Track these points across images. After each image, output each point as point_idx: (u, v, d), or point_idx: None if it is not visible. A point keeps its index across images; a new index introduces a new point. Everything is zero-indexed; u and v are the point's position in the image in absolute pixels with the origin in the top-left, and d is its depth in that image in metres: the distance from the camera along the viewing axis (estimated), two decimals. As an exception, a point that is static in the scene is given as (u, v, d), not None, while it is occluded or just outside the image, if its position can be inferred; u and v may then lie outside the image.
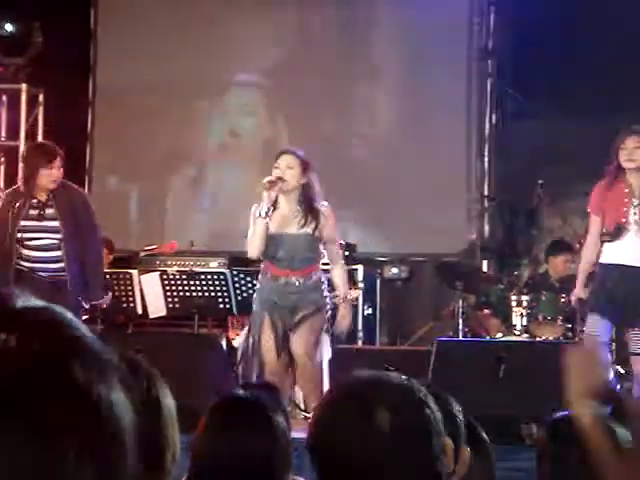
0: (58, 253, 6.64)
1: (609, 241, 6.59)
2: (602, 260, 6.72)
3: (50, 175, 6.62)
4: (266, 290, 6.30)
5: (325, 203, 6.32)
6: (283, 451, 2.36)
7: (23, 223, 6.64)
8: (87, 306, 6.76)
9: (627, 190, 6.58)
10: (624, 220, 6.53)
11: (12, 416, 0.76)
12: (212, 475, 2.32)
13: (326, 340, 6.45)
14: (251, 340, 6.28)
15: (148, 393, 1.56)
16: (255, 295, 6.44)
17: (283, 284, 6.23)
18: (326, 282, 6.35)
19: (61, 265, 6.64)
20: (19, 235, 6.61)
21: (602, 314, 6.58)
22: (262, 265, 6.39)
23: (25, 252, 6.64)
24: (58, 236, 6.63)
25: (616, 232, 6.55)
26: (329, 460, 1.54)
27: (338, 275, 6.40)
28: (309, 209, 6.23)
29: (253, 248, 6.26)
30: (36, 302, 0.84)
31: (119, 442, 0.79)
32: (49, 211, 6.66)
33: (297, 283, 6.23)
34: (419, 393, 1.56)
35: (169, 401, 1.62)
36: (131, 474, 0.79)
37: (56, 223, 6.64)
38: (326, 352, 6.43)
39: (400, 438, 1.51)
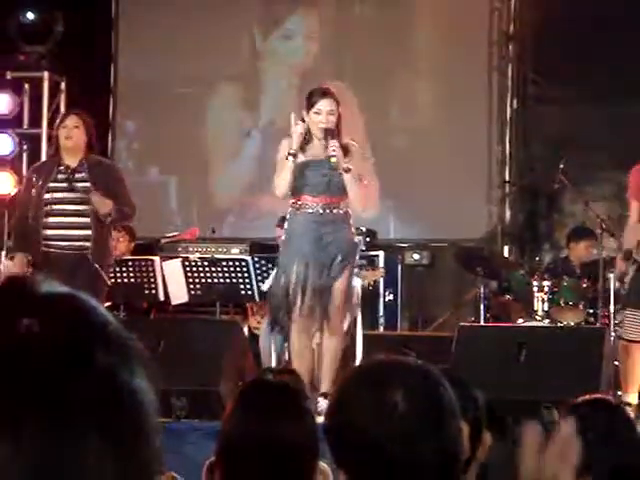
0: (86, 220, 6.59)
1: None
2: None
3: (65, 132, 6.60)
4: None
5: (354, 143, 6.08)
6: (311, 436, 2.38)
7: (52, 185, 6.60)
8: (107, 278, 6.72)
9: None
10: None
11: (35, 401, 0.76)
12: (240, 458, 2.34)
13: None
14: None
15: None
16: None
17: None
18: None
19: (87, 233, 6.57)
20: (47, 196, 6.58)
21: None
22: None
23: (51, 220, 6.60)
24: (85, 197, 6.56)
25: None
26: (345, 441, 1.56)
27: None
28: (341, 147, 5.92)
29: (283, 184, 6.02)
30: (60, 288, 0.83)
31: (141, 427, 0.79)
32: (78, 175, 6.61)
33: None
34: (435, 375, 1.58)
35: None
36: (154, 459, 0.80)
37: (86, 184, 6.57)
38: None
39: (415, 419, 1.52)
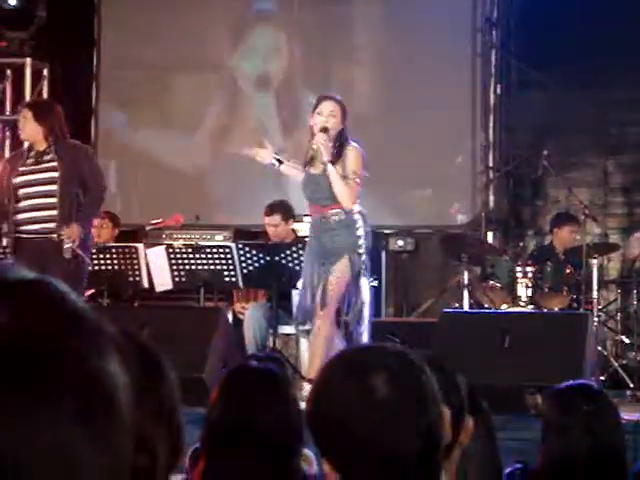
0: (53, 200, 6.64)
1: None
2: None
3: (20, 125, 6.81)
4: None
5: (355, 144, 6.40)
6: (295, 421, 2.38)
7: (20, 169, 6.71)
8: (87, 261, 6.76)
9: None
10: None
11: (5, 388, 0.75)
12: (225, 444, 2.35)
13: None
14: None
15: (148, 363, 1.57)
16: None
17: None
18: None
19: (55, 213, 6.61)
20: (17, 180, 6.65)
21: None
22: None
23: (21, 204, 6.66)
24: (55, 175, 6.63)
25: None
26: (327, 427, 1.56)
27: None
28: (340, 150, 6.32)
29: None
30: (31, 274, 0.81)
31: (115, 412, 0.79)
32: (46, 157, 6.70)
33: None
34: (415, 360, 1.58)
35: (171, 374, 1.63)
36: (128, 444, 0.80)
37: (54, 163, 6.65)
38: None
39: (397, 404, 1.52)
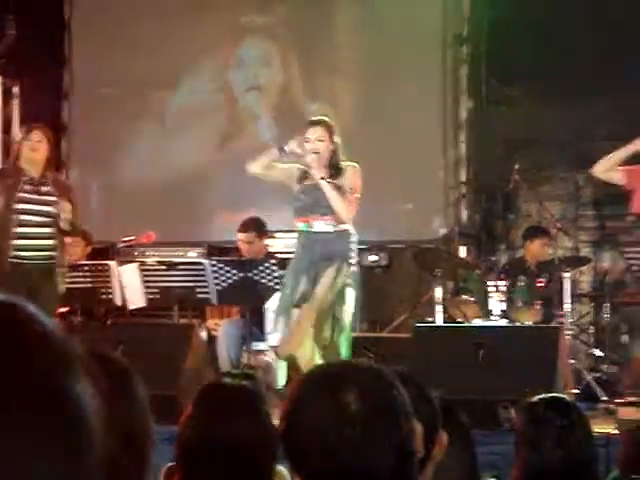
0: (51, 230, 6.79)
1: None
2: None
3: (29, 145, 6.78)
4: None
5: (353, 163, 6.65)
6: (269, 438, 2.38)
7: (20, 195, 6.76)
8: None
9: None
10: None
11: None
12: (198, 461, 2.34)
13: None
14: None
15: (118, 385, 1.57)
16: None
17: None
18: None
19: (53, 243, 6.79)
20: (17, 206, 6.71)
21: None
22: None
23: (20, 230, 6.75)
24: (54, 211, 6.75)
25: None
26: (299, 444, 1.56)
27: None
28: (337, 169, 6.55)
29: None
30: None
31: (82, 431, 0.79)
32: (44, 188, 6.81)
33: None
34: (387, 376, 1.59)
35: (141, 391, 1.62)
36: (95, 463, 0.80)
37: (52, 198, 6.78)
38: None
39: (368, 420, 1.53)
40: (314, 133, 6.55)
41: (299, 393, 1.60)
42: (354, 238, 6.58)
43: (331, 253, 6.47)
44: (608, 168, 6.93)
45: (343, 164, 6.62)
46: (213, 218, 10.17)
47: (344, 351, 6.53)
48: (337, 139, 6.62)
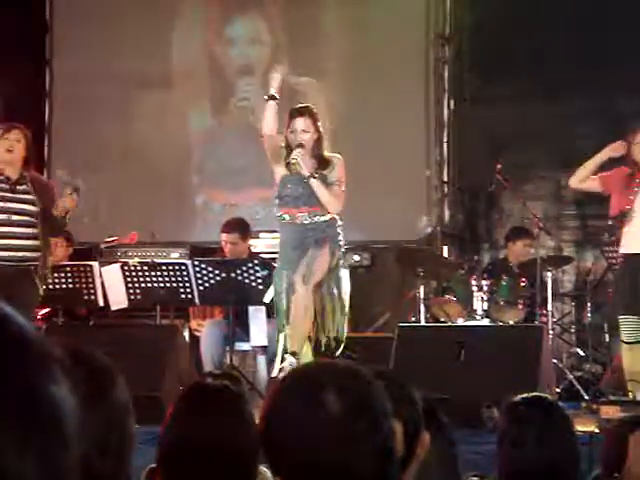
0: (27, 230, 6.64)
1: (618, 226, 6.80)
2: (622, 250, 6.82)
3: (6, 145, 6.66)
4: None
5: (337, 154, 6.68)
6: (252, 439, 2.38)
7: None
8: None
9: (638, 180, 6.76)
10: (629, 207, 6.69)
11: None
12: (180, 462, 2.34)
13: None
14: None
15: (97, 386, 1.56)
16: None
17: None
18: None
19: (29, 243, 6.63)
20: None
21: (627, 311, 6.70)
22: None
23: None
24: (33, 209, 6.63)
25: (621, 217, 6.74)
26: (280, 445, 1.56)
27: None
28: (322, 160, 6.57)
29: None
30: None
31: (60, 433, 0.79)
32: (20, 187, 6.68)
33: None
34: (365, 375, 1.59)
35: (121, 393, 1.62)
36: (73, 464, 0.80)
37: (31, 197, 6.67)
38: None
39: (347, 420, 1.53)
40: (299, 125, 6.54)
41: (278, 394, 1.60)
42: (340, 223, 6.62)
43: (320, 239, 6.52)
44: (583, 178, 6.98)
45: (328, 154, 6.63)
46: (196, 218, 10.16)
47: (344, 331, 6.62)
48: (321, 127, 6.61)
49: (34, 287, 6.61)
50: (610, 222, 7.16)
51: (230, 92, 10.38)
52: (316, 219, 6.55)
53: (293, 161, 6.48)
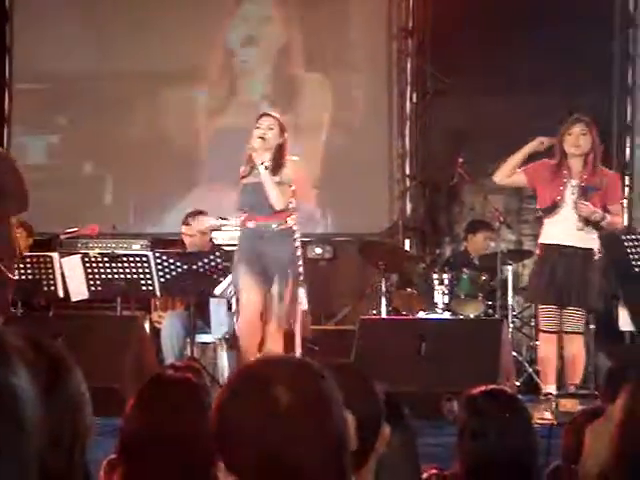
0: None
1: (544, 217, 6.83)
2: (542, 240, 6.88)
3: None
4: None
5: (296, 157, 6.80)
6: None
7: None
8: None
9: (566, 172, 6.74)
10: (559, 198, 6.72)
11: None
12: (140, 454, 2.33)
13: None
14: None
15: (54, 376, 1.54)
16: None
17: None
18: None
19: None
20: None
21: (546, 300, 6.75)
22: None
23: None
24: None
25: (551, 209, 6.77)
26: (232, 442, 1.56)
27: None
28: (280, 163, 6.65)
29: None
30: None
31: (18, 424, 0.79)
32: None
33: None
34: (315, 368, 1.59)
35: (77, 384, 1.60)
36: (32, 456, 0.80)
37: None
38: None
39: (298, 413, 1.53)
40: (266, 122, 6.70)
41: (229, 390, 1.60)
42: (298, 235, 6.68)
43: (281, 259, 6.58)
44: (508, 173, 7.02)
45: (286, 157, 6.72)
46: (158, 210, 10.11)
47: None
48: (287, 139, 6.74)
49: None
50: (539, 214, 7.23)
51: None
52: (272, 227, 6.64)
53: (251, 147, 6.58)
